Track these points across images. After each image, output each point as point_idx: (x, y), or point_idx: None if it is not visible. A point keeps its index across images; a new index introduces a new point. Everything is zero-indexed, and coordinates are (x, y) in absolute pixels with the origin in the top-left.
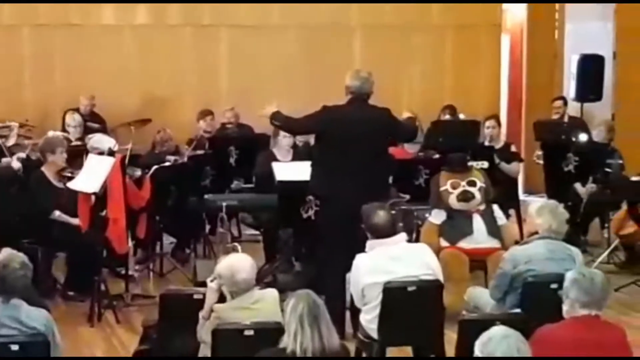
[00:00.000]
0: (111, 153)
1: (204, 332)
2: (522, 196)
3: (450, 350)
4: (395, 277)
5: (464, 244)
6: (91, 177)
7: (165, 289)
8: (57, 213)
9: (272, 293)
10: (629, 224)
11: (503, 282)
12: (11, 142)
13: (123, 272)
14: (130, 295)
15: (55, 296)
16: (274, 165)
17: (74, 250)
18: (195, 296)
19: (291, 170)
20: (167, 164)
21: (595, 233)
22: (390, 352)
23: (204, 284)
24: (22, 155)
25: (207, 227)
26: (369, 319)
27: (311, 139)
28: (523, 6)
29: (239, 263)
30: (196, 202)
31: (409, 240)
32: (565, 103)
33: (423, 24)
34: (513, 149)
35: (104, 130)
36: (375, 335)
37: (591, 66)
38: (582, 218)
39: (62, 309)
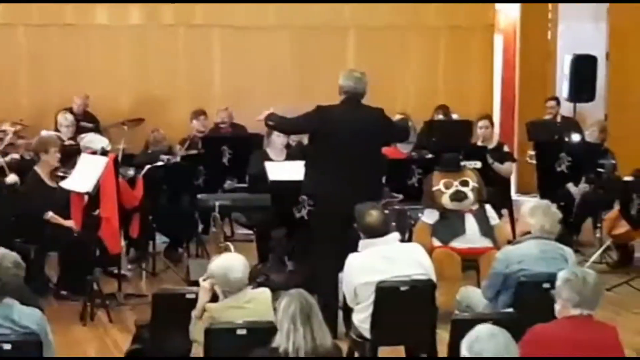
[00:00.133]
0: (104, 153)
1: (196, 332)
2: (514, 196)
3: (442, 349)
4: (387, 276)
5: (457, 243)
6: (84, 176)
7: (158, 289)
8: (49, 214)
9: (265, 292)
10: (621, 223)
11: (495, 282)
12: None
13: (116, 271)
14: (123, 294)
15: (48, 295)
16: (267, 164)
17: (67, 249)
18: (188, 295)
19: (284, 169)
20: (160, 163)
21: (588, 233)
22: (383, 351)
23: (196, 284)
24: (16, 155)
25: (200, 227)
26: (362, 319)
27: (304, 139)
28: (516, 6)
29: (231, 262)
30: (189, 201)
31: (402, 240)
32: (558, 103)
33: (416, 24)
34: (506, 149)
35: (97, 129)
36: (367, 334)
37: (584, 66)
38: (574, 218)
39: (55, 308)
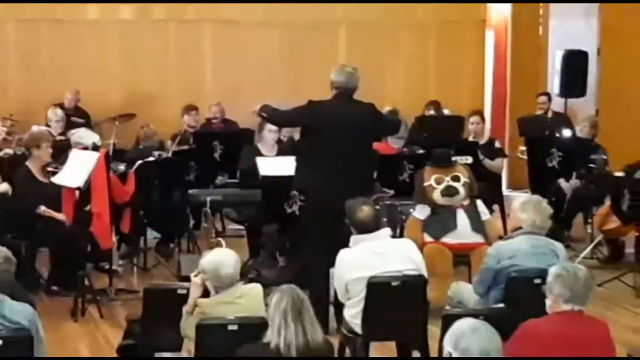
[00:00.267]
0: (95, 148)
1: (187, 327)
2: (506, 191)
3: (433, 345)
4: (379, 272)
5: (448, 239)
6: (75, 171)
7: (149, 284)
8: (42, 208)
9: (256, 288)
10: (612, 219)
11: (486, 277)
12: None
13: (107, 266)
14: (114, 290)
15: (39, 291)
16: (258, 160)
17: (58, 245)
18: (179, 291)
19: (275, 165)
20: (151, 159)
21: (579, 228)
22: (374, 346)
23: (188, 279)
24: (9, 151)
25: (192, 222)
26: (353, 314)
27: (296, 134)
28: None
29: (223, 258)
30: (180, 197)
31: (393, 236)
32: (550, 99)
33: (408, 20)
34: (497, 144)
35: (88, 125)
36: (359, 330)
37: (575, 62)
38: (565, 213)
39: (46, 303)
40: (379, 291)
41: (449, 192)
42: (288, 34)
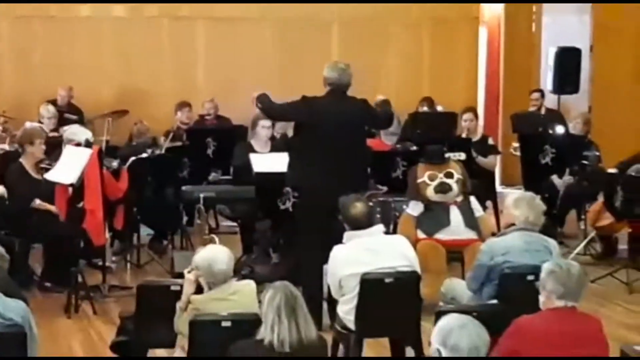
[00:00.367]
0: (88, 144)
1: (181, 323)
2: (499, 188)
3: (427, 341)
4: (372, 268)
5: (441, 235)
6: (68, 168)
7: (142, 280)
8: (37, 201)
9: (250, 284)
10: (605, 215)
11: (480, 274)
12: None
13: (100, 263)
14: (108, 286)
15: (32, 287)
16: (252, 156)
17: (51, 241)
18: (173, 287)
19: (269, 161)
20: (144, 155)
21: (572, 225)
22: (367, 343)
23: (181, 276)
24: (5, 146)
25: (185, 219)
26: (346, 310)
27: (289, 131)
28: None
29: (216, 254)
30: (173, 193)
31: (387, 232)
32: (543, 95)
33: (401, 16)
34: (490, 141)
35: (81, 121)
36: (352, 326)
37: (568, 59)
38: (558, 210)
39: (39, 300)
40: (373, 287)
41: (442, 188)
42: (281, 31)
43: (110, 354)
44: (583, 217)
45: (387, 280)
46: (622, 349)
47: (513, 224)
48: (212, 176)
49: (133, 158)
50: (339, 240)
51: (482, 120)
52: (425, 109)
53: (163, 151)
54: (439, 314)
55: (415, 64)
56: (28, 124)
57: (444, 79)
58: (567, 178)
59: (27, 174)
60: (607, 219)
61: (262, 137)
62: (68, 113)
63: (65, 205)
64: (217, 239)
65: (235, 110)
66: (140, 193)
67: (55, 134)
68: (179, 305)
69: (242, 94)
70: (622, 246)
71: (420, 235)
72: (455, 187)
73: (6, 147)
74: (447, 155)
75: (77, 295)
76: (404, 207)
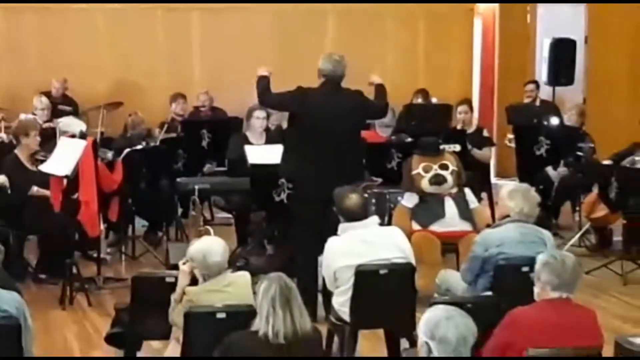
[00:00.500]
0: (83, 136)
1: (175, 315)
2: (494, 180)
3: None
4: (367, 260)
5: (436, 227)
6: (63, 160)
7: (137, 272)
8: (35, 188)
9: (244, 276)
10: (599, 207)
11: (475, 265)
12: None
13: (95, 255)
14: (102, 278)
15: (27, 279)
16: (247, 148)
17: (46, 233)
18: (168, 279)
19: (264, 153)
20: (139, 147)
21: (567, 216)
22: (362, 334)
23: (176, 267)
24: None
25: (180, 210)
26: (341, 302)
27: (284, 123)
28: None
29: (211, 246)
30: (168, 185)
31: (381, 224)
32: (538, 87)
33: (396, 8)
34: (485, 133)
35: (75, 113)
36: (347, 317)
37: (563, 50)
38: (553, 201)
39: (34, 291)
40: (367, 279)
41: (437, 180)
42: (277, 23)
43: (105, 345)
44: (578, 208)
45: (381, 271)
46: (617, 340)
47: (508, 216)
48: (207, 168)
49: (128, 150)
50: (333, 231)
51: (477, 112)
52: (420, 100)
53: (158, 143)
54: (433, 306)
55: (410, 55)
56: (23, 116)
57: (439, 71)
58: (562, 169)
59: (22, 165)
60: (602, 211)
61: (256, 128)
62: (62, 105)
63: (60, 196)
64: (212, 231)
65: (230, 102)
66: (135, 185)
67: (50, 124)
68: (174, 297)
69: (236, 85)
70: (617, 238)
71: (415, 226)
72: (450, 179)
73: (4, 137)
74: (441, 147)
75: (71, 287)
76: (399, 198)
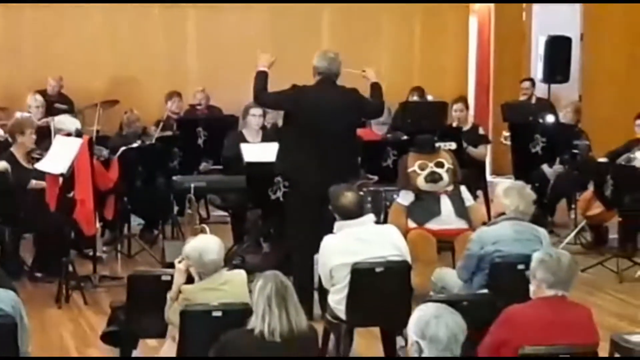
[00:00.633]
0: (79, 134)
1: (171, 313)
2: (489, 177)
3: None
4: (363, 258)
5: (432, 225)
6: (59, 158)
7: (133, 270)
8: (33, 182)
9: (240, 274)
10: (595, 205)
11: (470, 263)
12: None
13: (91, 253)
14: (98, 276)
15: (22, 277)
16: (242, 146)
17: (42, 231)
18: (163, 277)
19: (259, 151)
20: (135, 145)
21: (562, 214)
22: (358, 332)
23: (172, 265)
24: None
25: (175, 209)
26: (337, 300)
27: (279, 120)
28: None
29: (207, 244)
30: (164, 183)
31: (377, 222)
32: (533, 84)
33: (391, 5)
34: (481, 131)
35: (71, 111)
36: (343, 316)
37: (558, 48)
38: (549, 199)
39: (30, 290)
40: (363, 277)
41: (433, 178)
42: (273, 20)
43: (101, 344)
44: (573, 206)
45: (377, 269)
46: (612, 338)
47: (503, 213)
48: (203, 166)
49: (123, 148)
50: (329, 230)
51: (473, 110)
52: (415, 98)
53: (153, 141)
54: (422, 304)
55: (406, 53)
56: (19, 114)
57: (435, 69)
58: (558, 167)
59: (18, 163)
60: (598, 208)
61: (253, 126)
62: (58, 103)
63: (55, 195)
64: (207, 229)
65: (226, 99)
66: (130, 183)
67: (46, 119)
68: (170, 295)
69: (233, 83)
70: (613, 235)
71: (411, 224)
72: (445, 177)
73: (2, 132)
74: (437, 144)
75: (67, 285)
76: (395, 196)
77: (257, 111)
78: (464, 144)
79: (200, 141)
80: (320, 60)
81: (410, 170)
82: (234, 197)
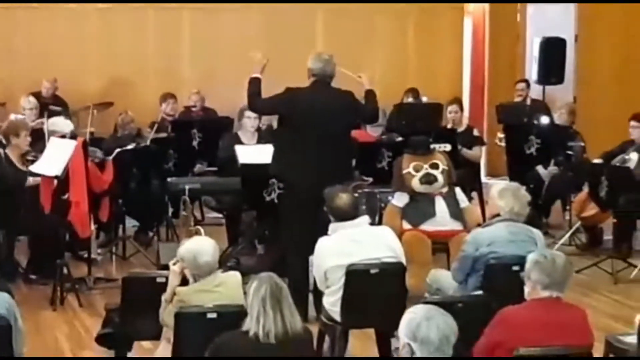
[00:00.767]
0: (74, 136)
1: (166, 315)
2: (484, 179)
3: None
4: (357, 259)
5: (427, 226)
6: (53, 160)
7: (128, 272)
8: (31, 179)
9: (235, 276)
10: (590, 206)
11: (465, 265)
12: None
13: (86, 255)
14: (93, 278)
15: (17, 280)
16: (237, 148)
17: (37, 233)
18: (158, 279)
19: (254, 153)
20: (129, 147)
21: (557, 215)
22: (353, 334)
23: (166, 267)
24: None
25: (170, 210)
26: (332, 302)
27: (274, 122)
28: None
29: (201, 246)
30: (159, 185)
31: (372, 223)
32: (528, 86)
33: (386, 6)
34: (475, 132)
35: (66, 113)
36: (338, 317)
37: (553, 49)
38: (543, 200)
39: (24, 292)
40: (358, 279)
41: (428, 179)
42: (267, 22)
43: (95, 346)
44: (568, 207)
45: (372, 271)
46: (607, 339)
47: (498, 215)
48: (198, 168)
49: (118, 150)
50: (324, 231)
51: (468, 111)
52: (410, 99)
53: (148, 143)
54: (413, 306)
55: (401, 54)
56: (13, 116)
57: (429, 70)
58: (552, 168)
59: (14, 165)
60: (592, 210)
61: (248, 127)
62: (53, 105)
63: (50, 197)
64: (202, 231)
65: (221, 101)
66: (125, 185)
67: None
68: (165, 297)
69: (228, 85)
70: (607, 236)
71: (406, 226)
72: (440, 178)
73: None
74: (432, 146)
75: (62, 288)
76: (390, 198)
77: (252, 113)
78: (459, 146)
79: (195, 143)
80: (314, 62)
81: (405, 171)
82: (228, 199)
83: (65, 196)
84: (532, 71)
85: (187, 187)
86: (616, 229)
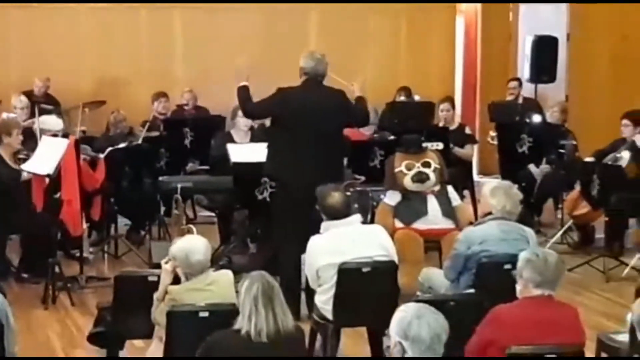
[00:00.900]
0: (66, 135)
1: (158, 314)
2: (476, 177)
3: None
4: (350, 258)
5: (419, 224)
6: (45, 159)
7: (120, 271)
8: (25, 174)
9: (227, 274)
10: (582, 204)
11: (457, 263)
12: None
13: (77, 254)
14: (85, 277)
15: (9, 278)
16: (229, 146)
17: (29, 232)
18: (150, 278)
19: (246, 151)
20: (121, 145)
21: (549, 214)
22: (345, 332)
23: (158, 266)
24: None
25: (162, 209)
26: (324, 300)
27: (267, 121)
28: None
29: (193, 245)
30: (151, 183)
31: (364, 222)
32: (520, 84)
33: (378, 5)
34: (467, 131)
35: (57, 112)
36: (330, 316)
37: (545, 48)
38: (535, 199)
39: (16, 291)
40: (350, 277)
41: (420, 178)
42: (260, 22)
43: (87, 344)
44: (560, 206)
45: (364, 269)
46: (599, 337)
47: (490, 213)
48: (190, 166)
49: (110, 148)
50: (316, 230)
51: (460, 110)
52: (402, 98)
53: (140, 141)
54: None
55: (393, 53)
56: (5, 115)
57: (422, 69)
58: (544, 167)
59: (5, 163)
60: (584, 208)
61: (241, 126)
62: (45, 103)
63: (42, 195)
64: (194, 230)
65: (214, 100)
66: (117, 183)
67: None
68: (157, 295)
69: (220, 83)
70: (599, 235)
71: (398, 224)
72: (432, 177)
73: None
74: (424, 144)
75: (54, 286)
76: (382, 196)
77: None
78: (451, 144)
79: (187, 141)
80: (307, 61)
81: (397, 170)
82: (220, 198)
83: (57, 195)
84: (524, 70)
85: (179, 185)
86: (608, 228)
